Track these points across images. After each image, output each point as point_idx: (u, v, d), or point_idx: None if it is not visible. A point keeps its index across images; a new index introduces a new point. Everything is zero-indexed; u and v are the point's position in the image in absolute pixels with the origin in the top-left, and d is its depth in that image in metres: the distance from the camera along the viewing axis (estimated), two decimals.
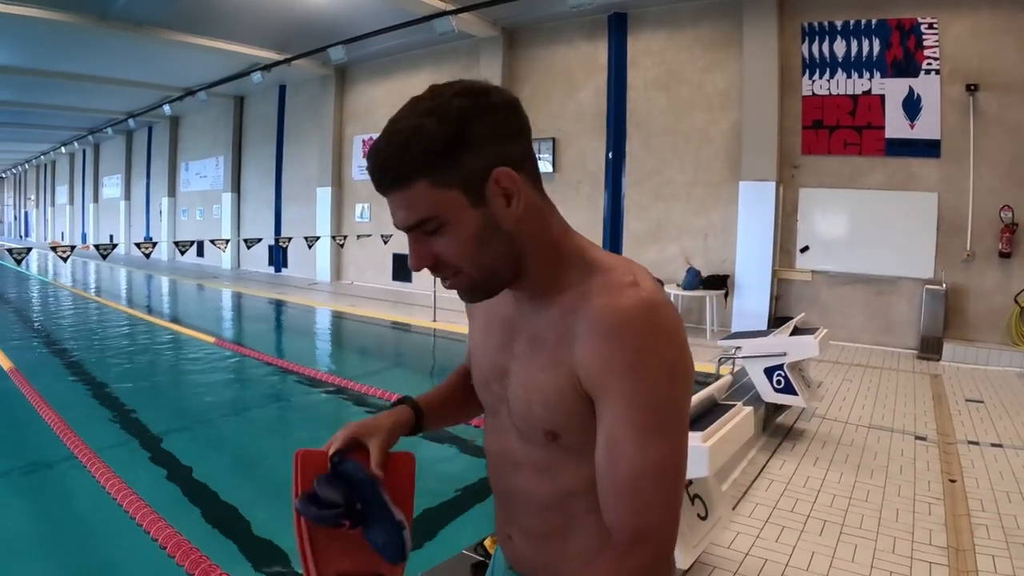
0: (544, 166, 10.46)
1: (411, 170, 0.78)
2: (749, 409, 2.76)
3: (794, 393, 4.32)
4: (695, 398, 2.63)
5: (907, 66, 7.66)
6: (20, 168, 38.19)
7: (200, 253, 18.27)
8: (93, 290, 14.51)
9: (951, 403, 5.49)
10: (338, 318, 10.39)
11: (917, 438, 4.51)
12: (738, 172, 8.67)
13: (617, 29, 9.81)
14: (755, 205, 8.47)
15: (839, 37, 8.07)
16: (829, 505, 3.35)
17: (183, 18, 10.83)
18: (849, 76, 8.02)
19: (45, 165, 33.65)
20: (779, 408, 4.71)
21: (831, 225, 8.28)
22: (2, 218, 45.93)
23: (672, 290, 8.58)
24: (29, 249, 7.17)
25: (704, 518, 2.54)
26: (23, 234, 39.93)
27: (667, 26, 9.42)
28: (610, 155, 9.97)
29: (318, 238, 11.37)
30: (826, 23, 8.13)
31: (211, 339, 8.08)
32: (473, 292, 0.88)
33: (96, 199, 26.48)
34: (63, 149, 26.89)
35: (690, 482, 2.53)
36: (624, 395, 0.78)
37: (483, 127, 0.79)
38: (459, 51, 11.61)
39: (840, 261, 8.21)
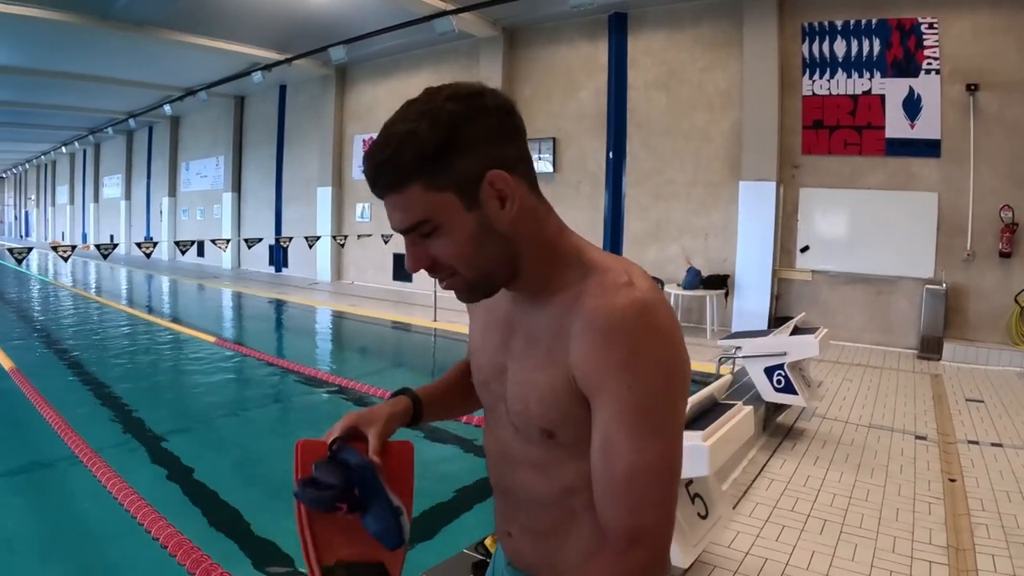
0: (544, 166, 10.46)
1: (404, 174, 0.79)
2: (749, 408, 2.76)
3: (794, 393, 4.33)
4: (695, 398, 2.63)
5: (907, 66, 7.66)
6: (21, 168, 38.23)
7: (200, 253, 18.29)
8: (94, 290, 14.52)
9: (951, 403, 5.49)
10: (339, 318, 10.40)
11: (917, 438, 4.51)
12: (738, 172, 8.67)
13: (617, 29, 9.81)
14: (755, 205, 8.47)
15: (839, 37, 8.07)
16: (829, 504, 3.35)
17: (183, 18, 10.84)
18: (849, 76, 8.02)
19: (46, 165, 33.67)
20: (779, 407, 4.72)
21: (831, 225, 8.28)
22: (3, 218, 45.98)
23: (672, 290, 8.58)
24: (30, 249, 7.17)
25: (704, 517, 2.54)
26: (24, 234, 39.98)
27: (667, 26, 9.43)
28: (610, 155, 9.97)
29: (318, 238, 11.38)
30: (826, 23, 8.13)
31: (212, 339, 8.09)
32: (470, 293, 0.89)
33: (97, 199, 26.51)
34: (64, 149, 26.91)
35: (690, 481, 2.53)
36: (618, 395, 0.78)
37: (476, 130, 0.79)
38: (459, 51, 11.61)
39: (840, 261, 8.21)
